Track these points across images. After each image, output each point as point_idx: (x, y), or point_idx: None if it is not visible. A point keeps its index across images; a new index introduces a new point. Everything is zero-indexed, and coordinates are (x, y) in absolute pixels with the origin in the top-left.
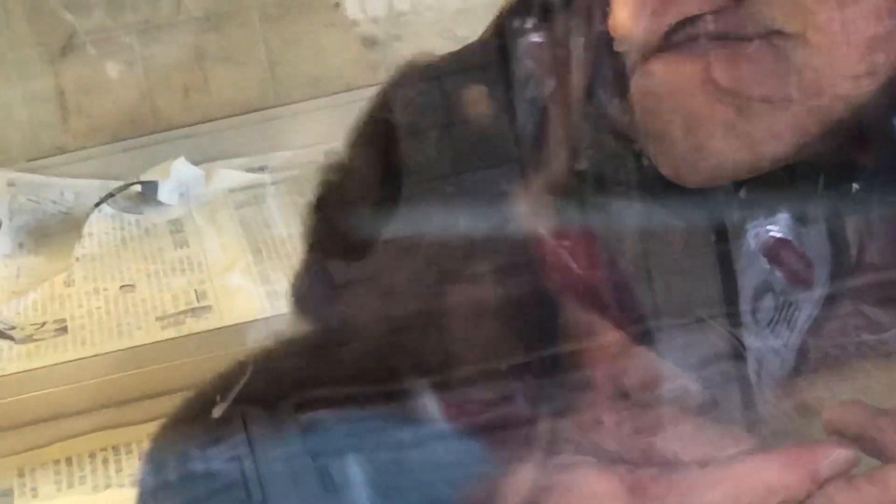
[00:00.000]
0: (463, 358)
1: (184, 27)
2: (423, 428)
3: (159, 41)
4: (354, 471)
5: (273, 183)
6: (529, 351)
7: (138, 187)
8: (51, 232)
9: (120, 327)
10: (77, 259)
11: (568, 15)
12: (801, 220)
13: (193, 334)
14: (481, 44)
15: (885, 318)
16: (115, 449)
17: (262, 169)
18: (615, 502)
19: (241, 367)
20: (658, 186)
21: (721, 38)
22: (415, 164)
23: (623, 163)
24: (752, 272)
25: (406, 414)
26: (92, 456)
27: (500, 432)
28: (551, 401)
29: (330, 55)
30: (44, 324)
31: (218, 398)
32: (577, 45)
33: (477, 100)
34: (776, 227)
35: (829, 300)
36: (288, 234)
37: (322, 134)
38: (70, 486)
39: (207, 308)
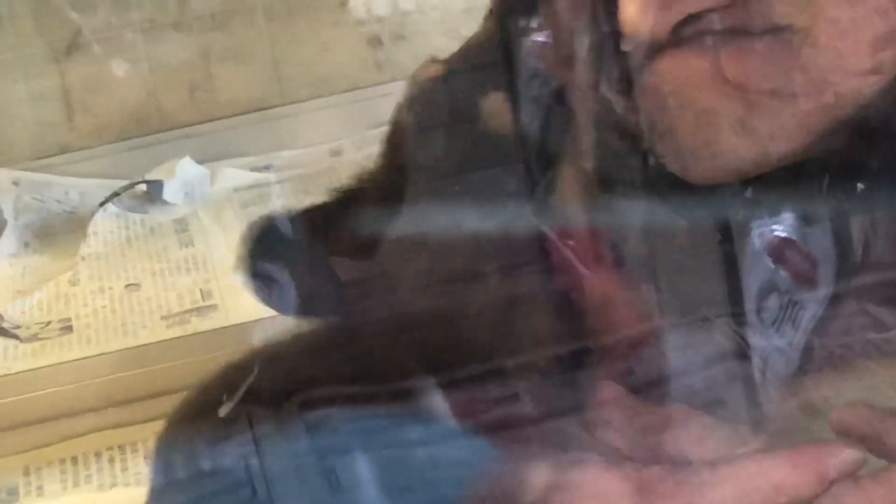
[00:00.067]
0: (470, 356)
1: (189, 26)
2: (431, 426)
3: (164, 40)
4: (361, 470)
5: (278, 182)
6: (536, 349)
7: (143, 186)
8: (56, 231)
9: (125, 326)
10: (82, 258)
11: (573, 14)
12: (805, 219)
13: (199, 333)
14: (484, 42)
15: (891, 317)
16: (121, 448)
17: (267, 168)
18: (623, 501)
19: (245, 365)
20: (663, 186)
21: (729, 33)
22: (428, 165)
23: (628, 162)
24: (756, 272)
25: (413, 412)
26: (97, 455)
27: (507, 431)
28: (559, 399)
29: (335, 54)
30: (49, 323)
31: (224, 397)
32: (582, 44)
33: (498, 106)
34: (781, 227)
35: (834, 299)
36: None
37: (327, 133)
38: (76, 484)
39: (213, 307)
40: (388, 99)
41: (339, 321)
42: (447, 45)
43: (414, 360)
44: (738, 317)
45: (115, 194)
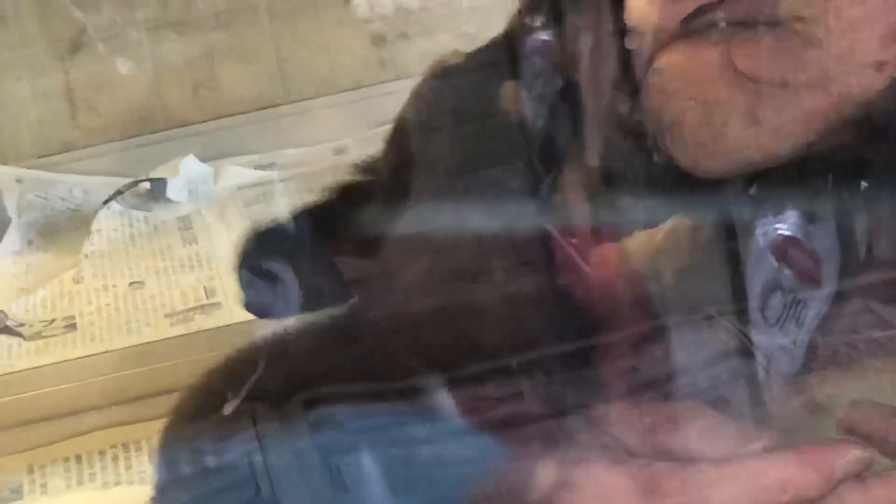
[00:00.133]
0: (474, 354)
1: (193, 25)
2: (436, 424)
3: (169, 39)
4: (365, 467)
5: (282, 180)
6: (542, 347)
7: (147, 184)
8: (59, 229)
9: (129, 324)
10: (86, 256)
11: (579, 13)
12: (809, 217)
13: (203, 331)
14: (500, 43)
15: (895, 315)
16: (125, 446)
17: (271, 166)
18: (629, 498)
19: (250, 362)
20: (668, 184)
21: (738, 24)
22: (434, 163)
23: (633, 160)
24: (760, 270)
25: (418, 410)
26: (102, 453)
27: (512, 429)
28: (564, 397)
29: (339, 53)
30: (53, 321)
31: (229, 394)
32: (588, 43)
33: (513, 96)
34: (785, 225)
35: (838, 298)
36: None
37: (331, 131)
38: (80, 482)
39: (217, 305)
40: (393, 97)
41: (343, 319)
42: (451, 43)
43: (418, 358)
44: (742, 315)
45: (119, 192)
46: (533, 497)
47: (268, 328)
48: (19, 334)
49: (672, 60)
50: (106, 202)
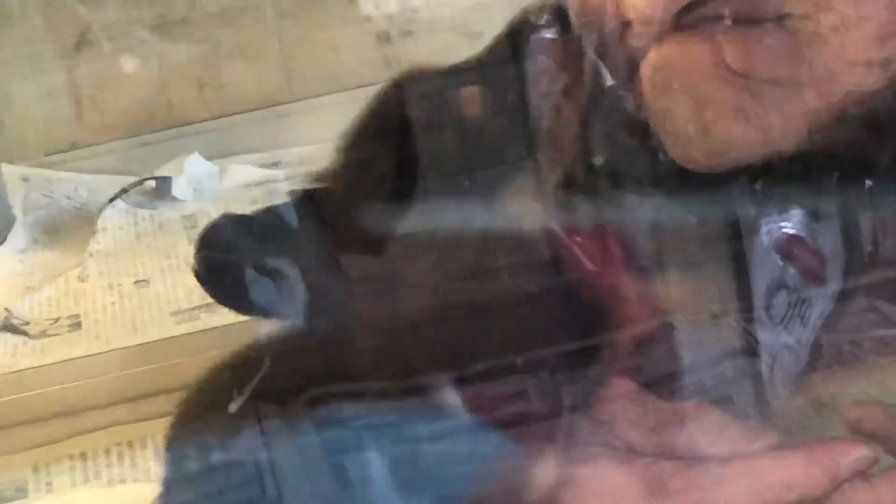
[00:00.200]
0: (479, 353)
1: (198, 22)
2: (441, 423)
3: (174, 36)
4: (370, 465)
5: (287, 179)
6: (547, 346)
7: (152, 183)
8: (65, 227)
9: (134, 323)
10: (91, 254)
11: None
12: (814, 216)
13: (208, 329)
14: (492, 47)
15: None
16: (130, 444)
17: (276, 165)
18: (634, 496)
19: (255, 360)
20: (673, 182)
21: (732, 20)
22: (425, 159)
23: (638, 158)
24: (765, 269)
25: (423, 408)
26: (107, 451)
27: (518, 427)
28: (569, 395)
29: (344, 51)
30: (58, 319)
31: (234, 393)
32: (591, 40)
33: (471, 99)
34: (789, 224)
35: (843, 296)
36: None
37: (336, 130)
38: (85, 480)
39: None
40: None
41: (348, 317)
42: (456, 41)
43: (421, 358)
44: (747, 314)
45: (124, 191)
46: (538, 495)
47: (272, 326)
48: (24, 333)
49: (664, 54)
50: (111, 200)
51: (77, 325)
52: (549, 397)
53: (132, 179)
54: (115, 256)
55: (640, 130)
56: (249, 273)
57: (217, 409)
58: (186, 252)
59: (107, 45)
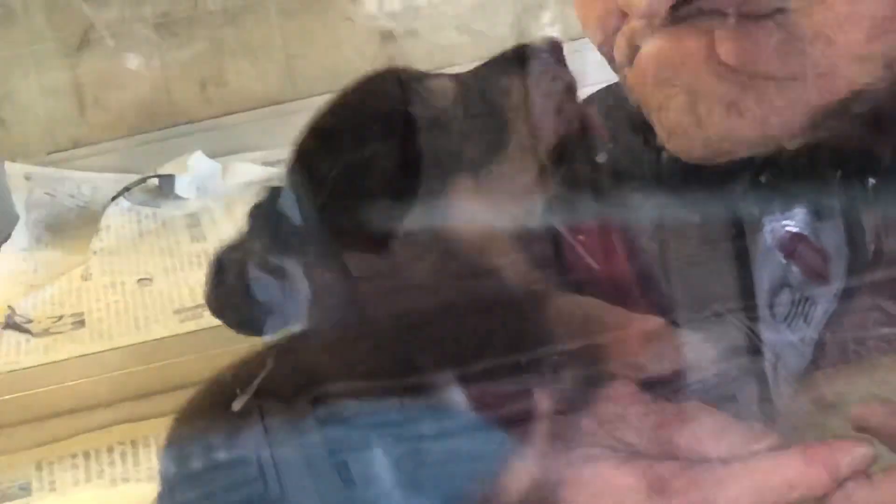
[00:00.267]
0: (482, 351)
1: (201, 21)
2: (444, 421)
3: (177, 35)
4: (373, 463)
5: None
6: (550, 345)
7: (155, 181)
8: (68, 226)
9: (137, 321)
10: (94, 253)
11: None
12: (817, 214)
13: (211, 328)
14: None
15: None
16: (133, 443)
17: (279, 163)
18: (635, 497)
19: (259, 359)
20: (676, 180)
21: (726, 14)
22: (442, 160)
23: (642, 157)
24: (768, 267)
25: (426, 407)
26: (110, 450)
27: (520, 427)
28: (572, 395)
29: (347, 49)
30: (61, 317)
31: (238, 391)
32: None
33: (443, 89)
34: (792, 222)
35: (846, 295)
36: None
37: None
38: (88, 479)
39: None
40: None
41: (351, 316)
42: (459, 39)
43: (425, 356)
44: (750, 312)
45: (127, 189)
46: (540, 494)
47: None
48: (28, 331)
49: (658, 47)
50: (114, 199)
51: (80, 324)
52: (553, 397)
53: (135, 177)
54: (119, 254)
55: (643, 127)
56: (253, 272)
57: (220, 408)
58: (189, 250)
59: (110, 44)
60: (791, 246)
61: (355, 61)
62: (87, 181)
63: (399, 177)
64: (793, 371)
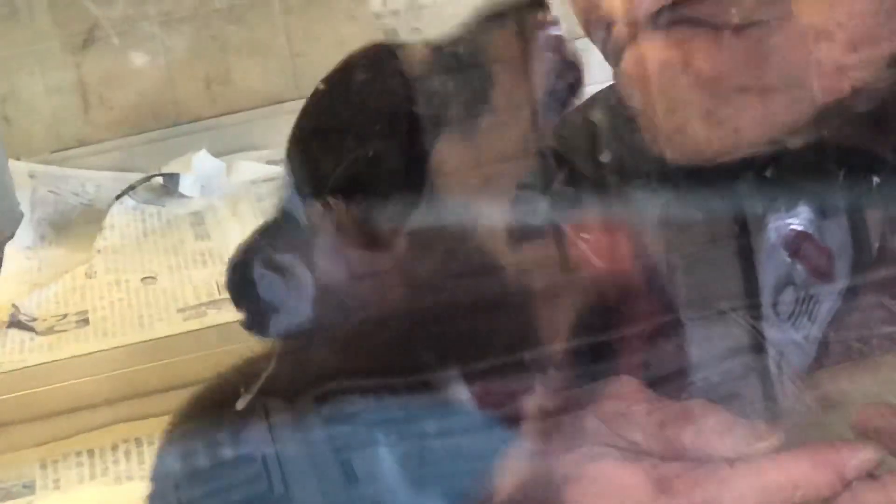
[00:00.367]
0: (487, 349)
1: (206, 19)
2: (449, 418)
3: (181, 33)
4: (377, 461)
5: None
6: (553, 343)
7: (160, 179)
8: (72, 224)
9: (141, 319)
10: (98, 251)
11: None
12: (821, 212)
13: (215, 326)
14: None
15: None
16: (138, 441)
17: (283, 161)
18: (641, 495)
19: (263, 357)
20: (680, 179)
21: (703, 25)
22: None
23: (645, 155)
24: (772, 265)
25: (430, 404)
26: (114, 448)
27: (525, 424)
28: (577, 392)
29: (351, 47)
30: (65, 315)
31: (242, 390)
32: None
33: (424, 55)
34: (797, 221)
35: (851, 293)
36: None
37: None
38: (92, 477)
39: (229, 300)
40: None
41: (355, 314)
42: None
43: (432, 353)
44: (755, 310)
45: (132, 187)
46: (544, 492)
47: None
48: (32, 329)
49: (640, 54)
50: (118, 197)
51: (84, 322)
52: (557, 395)
53: (139, 176)
54: (123, 253)
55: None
56: (258, 271)
57: (224, 405)
58: (193, 249)
59: (114, 42)
60: (795, 244)
61: None
62: (92, 179)
63: (401, 164)
64: (797, 369)
